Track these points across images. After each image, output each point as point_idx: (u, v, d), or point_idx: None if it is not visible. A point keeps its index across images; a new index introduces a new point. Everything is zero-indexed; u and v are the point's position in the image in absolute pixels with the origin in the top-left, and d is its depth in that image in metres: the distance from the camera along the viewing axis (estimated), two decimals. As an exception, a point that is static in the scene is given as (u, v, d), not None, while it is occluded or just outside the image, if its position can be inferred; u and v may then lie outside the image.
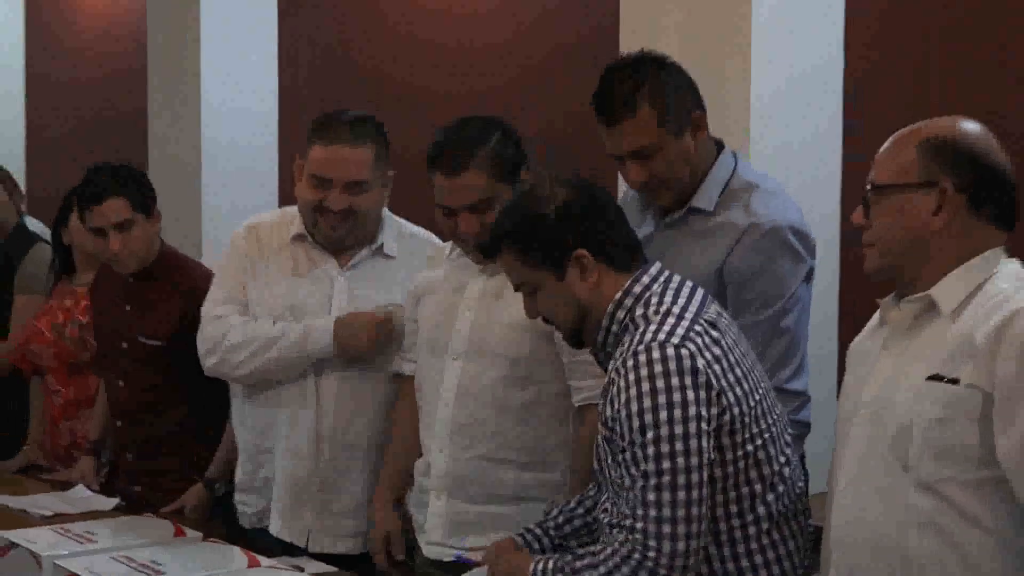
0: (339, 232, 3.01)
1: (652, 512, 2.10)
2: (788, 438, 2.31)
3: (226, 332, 3.05)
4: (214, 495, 3.31)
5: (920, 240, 2.07)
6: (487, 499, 2.69)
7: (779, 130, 3.29)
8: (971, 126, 2.11)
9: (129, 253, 3.37)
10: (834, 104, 3.42)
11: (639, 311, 2.22)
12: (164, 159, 5.50)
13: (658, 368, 2.10)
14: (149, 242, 3.43)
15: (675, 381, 2.10)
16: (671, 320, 2.17)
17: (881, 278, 2.15)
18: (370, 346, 2.97)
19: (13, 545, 2.67)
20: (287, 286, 3.07)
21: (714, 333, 2.19)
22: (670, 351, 2.11)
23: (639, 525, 2.11)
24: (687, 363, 2.11)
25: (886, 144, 2.14)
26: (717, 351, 2.17)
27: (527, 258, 2.29)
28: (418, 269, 3.00)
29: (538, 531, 2.48)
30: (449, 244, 2.89)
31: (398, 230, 3.14)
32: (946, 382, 1.98)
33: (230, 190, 5.21)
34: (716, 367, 2.15)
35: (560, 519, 2.49)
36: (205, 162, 5.33)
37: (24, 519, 3.17)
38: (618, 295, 2.25)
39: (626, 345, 2.18)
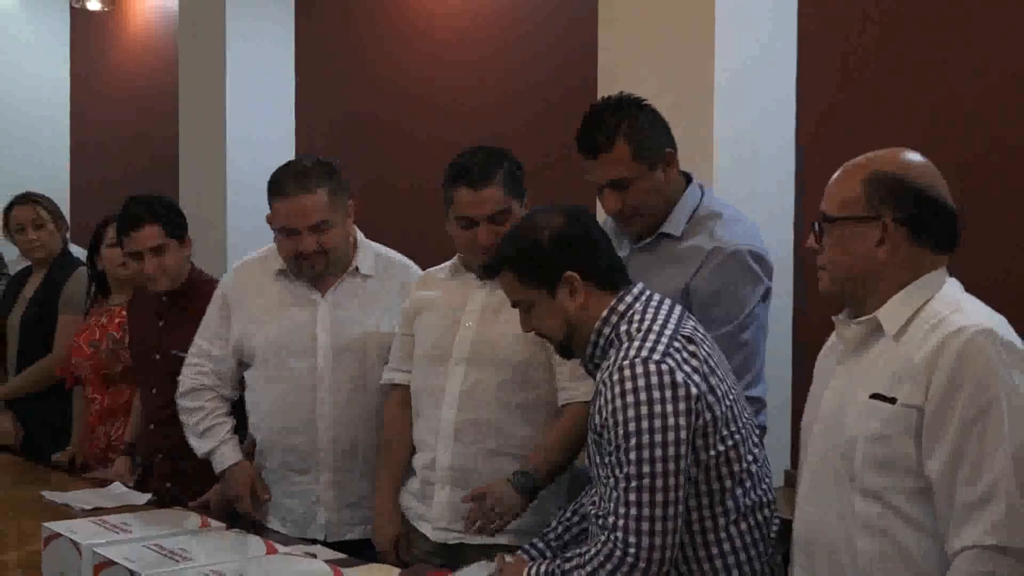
0: (319, 268, 3.11)
1: (632, 511, 2.15)
2: (756, 438, 2.37)
3: (182, 391, 3.28)
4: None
5: (866, 268, 2.09)
6: None
7: (740, 163, 3.35)
8: (914, 159, 2.13)
9: (162, 274, 3.48)
10: (788, 134, 3.50)
11: (623, 327, 2.29)
12: (193, 192, 5.59)
13: (641, 382, 2.17)
14: (180, 265, 3.53)
15: (656, 395, 2.16)
16: (652, 337, 2.23)
17: (834, 298, 2.19)
18: (239, 498, 3.15)
19: (57, 535, 2.67)
20: (276, 317, 3.17)
21: (691, 347, 2.25)
22: (652, 367, 2.17)
23: (620, 523, 2.16)
24: (667, 378, 2.17)
25: (836, 174, 2.16)
26: (695, 363, 2.23)
27: (523, 279, 2.36)
28: (394, 287, 3.11)
29: (541, 544, 2.53)
30: (446, 267, 2.97)
31: (374, 252, 3.23)
32: (886, 401, 2.01)
33: (251, 220, 5.24)
34: (695, 377, 2.20)
35: (559, 529, 2.55)
36: (229, 195, 5.44)
37: (67, 512, 3.24)
38: (604, 312, 2.32)
39: (612, 359, 2.24)
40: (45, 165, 7.41)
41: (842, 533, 2.08)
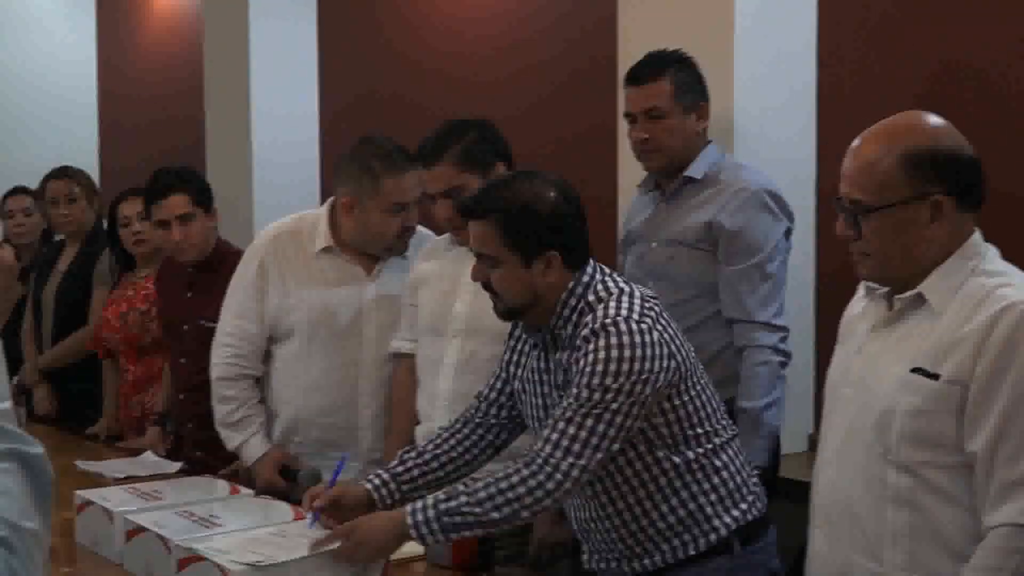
0: (408, 244, 3.09)
1: (571, 430, 2.15)
2: (711, 389, 2.34)
3: (216, 376, 3.17)
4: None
5: (917, 248, 1.97)
6: None
7: (760, 118, 3.30)
8: (938, 123, 2.01)
9: (189, 244, 3.44)
10: (809, 88, 3.44)
11: (590, 296, 2.27)
12: (220, 168, 5.56)
13: (625, 339, 2.16)
14: (207, 235, 3.50)
15: (638, 352, 2.16)
16: (625, 299, 2.23)
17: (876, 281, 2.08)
18: (269, 484, 3.04)
19: (90, 503, 2.67)
20: (320, 295, 3.10)
21: (658, 308, 2.27)
22: (634, 326, 2.18)
23: (554, 437, 2.16)
24: (647, 337, 2.18)
25: (857, 155, 2.00)
26: (663, 321, 2.25)
27: (506, 238, 2.27)
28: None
29: (386, 476, 2.44)
30: (445, 239, 2.96)
31: None
32: (928, 376, 1.91)
33: (277, 196, 5.27)
34: (666, 334, 2.22)
35: (411, 465, 2.45)
36: (255, 171, 5.40)
37: (100, 480, 3.22)
38: (570, 284, 2.28)
39: (590, 320, 2.22)
40: (74, 145, 7.35)
41: (870, 503, 1.99)
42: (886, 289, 2.06)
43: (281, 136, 5.41)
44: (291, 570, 2.18)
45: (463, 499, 2.18)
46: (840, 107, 3.37)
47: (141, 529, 2.45)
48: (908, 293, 1.99)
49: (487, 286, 2.34)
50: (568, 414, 2.17)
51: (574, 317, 2.27)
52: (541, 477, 2.15)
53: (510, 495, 2.16)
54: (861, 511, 2.01)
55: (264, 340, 3.17)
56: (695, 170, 2.90)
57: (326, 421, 3.11)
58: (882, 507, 1.98)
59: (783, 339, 2.83)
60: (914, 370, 1.93)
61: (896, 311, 2.02)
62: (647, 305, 2.24)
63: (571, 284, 2.28)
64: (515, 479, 2.16)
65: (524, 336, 2.44)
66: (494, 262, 2.30)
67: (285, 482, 3.07)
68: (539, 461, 2.16)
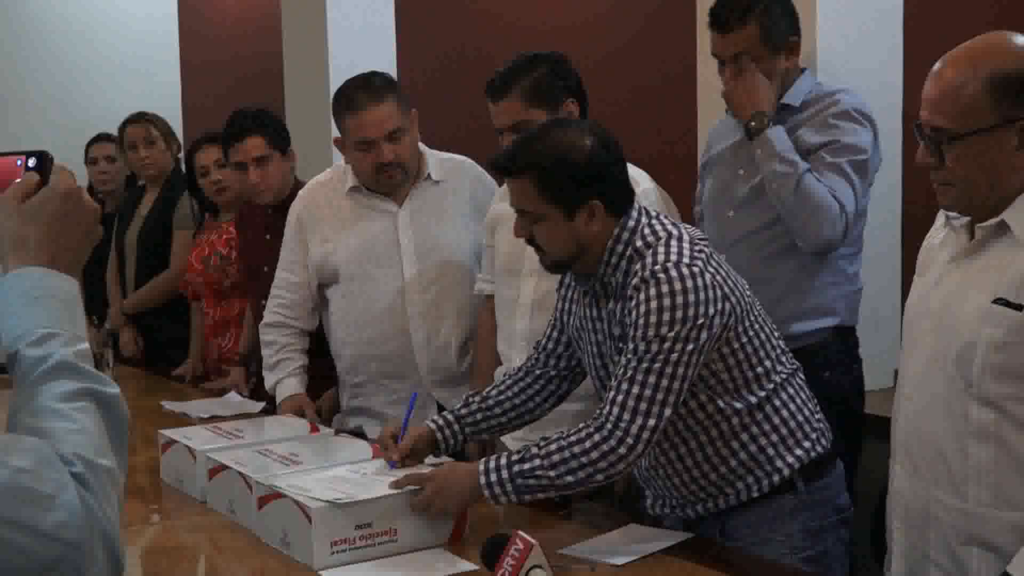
0: (398, 178, 3.07)
1: (635, 389, 2.10)
2: (770, 327, 2.30)
3: (263, 323, 3.27)
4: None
5: (1005, 176, 1.87)
6: None
7: (844, 35, 3.19)
8: (1021, 43, 1.88)
9: (266, 186, 3.45)
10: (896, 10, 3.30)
11: (638, 242, 2.21)
12: (299, 112, 5.55)
13: (677, 286, 2.11)
14: (284, 176, 3.49)
15: (691, 297, 2.11)
16: (675, 243, 2.18)
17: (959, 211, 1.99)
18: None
19: (173, 442, 2.69)
20: (356, 231, 3.13)
21: (708, 249, 2.22)
22: (684, 270, 2.13)
23: (620, 398, 2.11)
24: (699, 280, 2.12)
25: (939, 80, 1.90)
26: (715, 263, 2.19)
27: (545, 193, 2.21)
28: (464, 186, 3.11)
29: (450, 417, 2.47)
30: None
31: (437, 159, 3.18)
32: (1011, 307, 1.83)
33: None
34: (719, 276, 2.17)
35: (473, 406, 2.48)
36: (334, 127, 5.36)
37: (184, 420, 3.29)
38: (616, 231, 2.23)
39: (640, 267, 2.17)
40: (157, 90, 7.36)
41: (952, 437, 1.92)
42: (966, 219, 1.97)
43: (357, 68, 5.34)
44: (370, 508, 2.17)
45: (537, 462, 2.15)
46: (927, 29, 3.23)
47: (223, 467, 2.47)
48: (990, 221, 1.90)
49: (531, 241, 2.29)
50: (629, 372, 2.12)
51: (623, 264, 2.22)
52: (613, 442, 2.10)
53: (583, 460, 2.12)
54: (943, 446, 1.95)
55: (310, 288, 3.22)
56: (792, 98, 2.81)
57: (381, 352, 3.13)
58: (964, 442, 1.91)
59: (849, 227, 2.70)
60: (996, 301, 1.85)
61: (977, 240, 1.94)
62: (696, 247, 2.18)
63: (616, 231, 2.22)
64: (588, 444, 2.12)
65: (574, 284, 2.39)
66: (536, 218, 2.24)
67: None
68: (608, 426, 2.11)
